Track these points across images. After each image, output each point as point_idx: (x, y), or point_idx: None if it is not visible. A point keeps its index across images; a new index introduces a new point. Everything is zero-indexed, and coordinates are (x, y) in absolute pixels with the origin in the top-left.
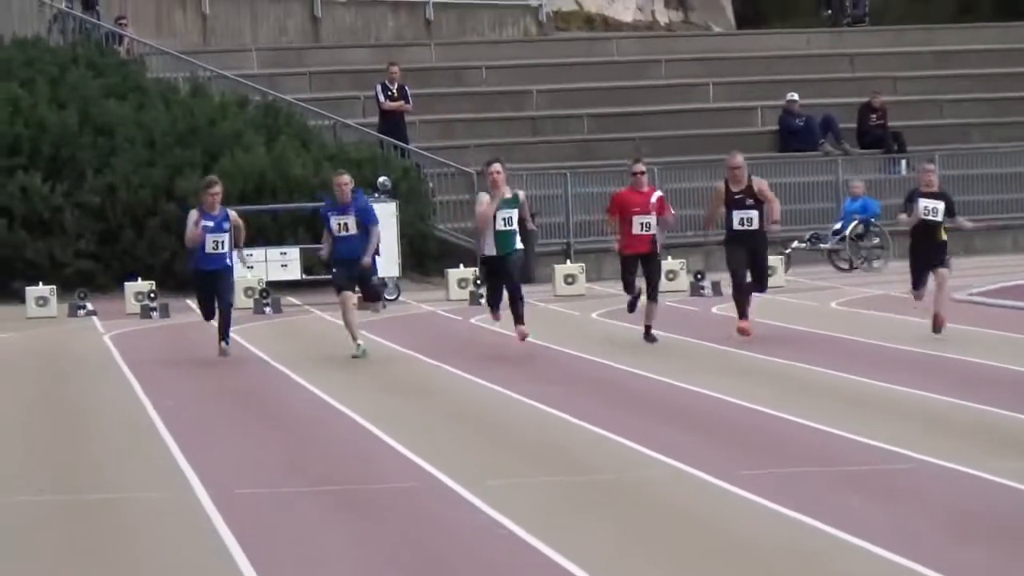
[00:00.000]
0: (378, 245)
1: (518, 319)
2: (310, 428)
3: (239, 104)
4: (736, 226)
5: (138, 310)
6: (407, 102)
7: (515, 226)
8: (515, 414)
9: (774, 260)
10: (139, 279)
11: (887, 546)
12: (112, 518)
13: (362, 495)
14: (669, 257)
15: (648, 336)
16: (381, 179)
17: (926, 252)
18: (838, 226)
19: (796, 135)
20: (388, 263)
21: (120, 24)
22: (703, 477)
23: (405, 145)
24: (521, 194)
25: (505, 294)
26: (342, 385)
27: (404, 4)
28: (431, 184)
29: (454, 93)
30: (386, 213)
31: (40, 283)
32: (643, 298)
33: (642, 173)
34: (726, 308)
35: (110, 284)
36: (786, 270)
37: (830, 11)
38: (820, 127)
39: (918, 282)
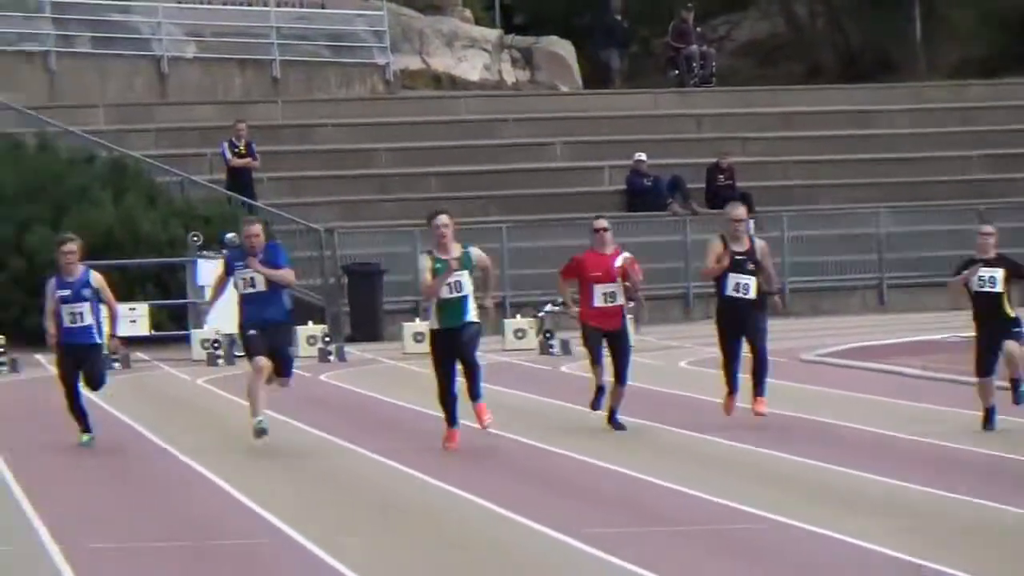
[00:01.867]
0: (287, 301)
1: (476, 395)
2: (162, 483)
3: (86, 160)
4: (730, 291)
5: None
6: (254, 159)
7: (464, 291)
8: (368, 473)
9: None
10: None
11: None
12: None
13: (213, 551)
14: (518, 316)
15: (612, 421)
16: (229, 236)
17: (992, 330)
18: None
19: (644, 195)
20: (235, 320)
21: None
22: (550, 533)
23: (252, 202)
24: (475, 251)
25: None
26: (192, 441)
27: (251, 61)
28: (279, 241)
29: (301, 150)
30: None
31: None
32: (610, 379)
33: (604, 230)
34: (575, 367)
35: None
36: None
37: (676, 72)
38: (668, 187)
39: (986, 368)
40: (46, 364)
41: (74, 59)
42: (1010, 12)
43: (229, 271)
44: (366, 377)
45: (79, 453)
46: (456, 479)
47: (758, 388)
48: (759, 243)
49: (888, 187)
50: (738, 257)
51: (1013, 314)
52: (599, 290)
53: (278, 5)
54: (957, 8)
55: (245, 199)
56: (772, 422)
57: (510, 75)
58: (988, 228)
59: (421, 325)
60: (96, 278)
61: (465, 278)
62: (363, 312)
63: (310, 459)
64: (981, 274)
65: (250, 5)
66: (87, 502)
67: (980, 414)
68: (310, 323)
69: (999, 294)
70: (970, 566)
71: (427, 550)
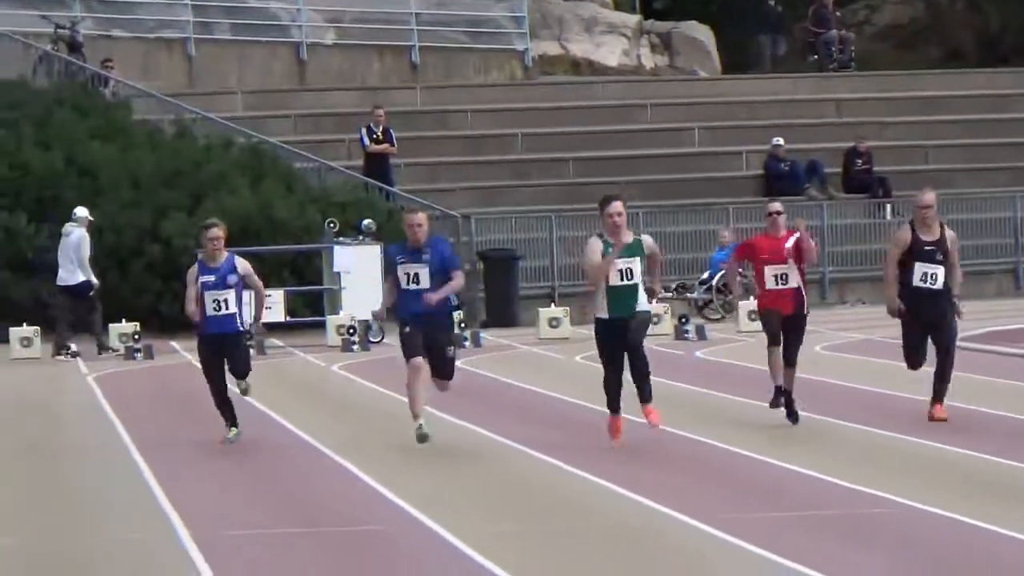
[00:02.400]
0: (450, 296)
1: (645, 398)
2: (296, 470)
3: (224, 146)
4: (916, 282)
5: (122, 351)
6: (392, 145)
7: (636, 279)
8: (505, 460)
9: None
10: (123, 320)
11: None
12: (97, 562)
13: (349, 538)
14: (654, 301)
15: (789, 409)
16: (366, 222)
17: None
18: (705, 276)
19: (782, 180)
20: (372, 305)
21: (106, 66)
22: (687, 521)
23: (390, 188)
24: (647, 239)
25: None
26: (327, 428)
27: (390, 47)
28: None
29: (439, 136)
30: (371, 256)
31: (24, 324)
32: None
33: (778, 213)
34: (710, 352)
35: None
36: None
37: (816, 56)
38: (805, 172)
39: None
40: (180, 351)
41: (213, 46)
42: None
43: (391, 267)
44: (501, 363)
45: (212, 440)
46: (594, 465)
47: (939, 392)
48: (950, 233)
49: None
50: (927, 247)
51: None
52: (769, 271)
53: None
54: None
55: (382, 185)
56: (910, 408)
57: (649, 60)
58: None
59: (556, 311)
60: (242, 264)
61: (636, 266)
62: (498, 298)
63: (445, 446)
64: None
65: None
66: (220, 489)
67: None
68: None
69: None
70: None
71: (569, 539)
